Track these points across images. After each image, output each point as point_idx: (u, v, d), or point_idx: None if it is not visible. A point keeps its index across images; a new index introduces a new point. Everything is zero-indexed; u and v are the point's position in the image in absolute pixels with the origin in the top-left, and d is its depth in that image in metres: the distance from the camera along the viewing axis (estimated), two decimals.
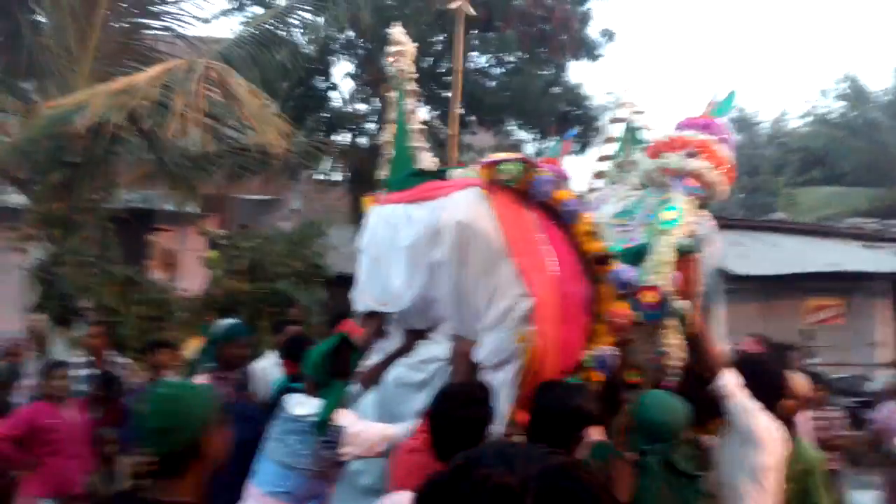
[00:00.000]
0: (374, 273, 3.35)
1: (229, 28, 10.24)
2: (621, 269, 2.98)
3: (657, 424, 2.77)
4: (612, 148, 4.20)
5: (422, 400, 2.93)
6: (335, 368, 2.88)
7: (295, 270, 7.94)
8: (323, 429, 2.76)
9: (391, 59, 3.61)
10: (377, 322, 3.36)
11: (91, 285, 7.08)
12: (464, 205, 2.93)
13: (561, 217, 2.99)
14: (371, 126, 11.81)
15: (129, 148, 8.45)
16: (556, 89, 12.41)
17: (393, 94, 3.66)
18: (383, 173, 3.69)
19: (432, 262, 2.99)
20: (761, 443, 2.99)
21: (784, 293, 9.92)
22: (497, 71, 12.31)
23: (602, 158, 4.25)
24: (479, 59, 12.17)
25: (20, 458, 4.40)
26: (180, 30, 8.58)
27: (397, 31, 3.60)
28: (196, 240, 9.61)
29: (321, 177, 11.38)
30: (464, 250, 2.89)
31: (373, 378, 3.25)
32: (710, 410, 3.02)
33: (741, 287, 9.62)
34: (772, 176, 22.59)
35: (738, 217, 14.41)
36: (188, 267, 8.95)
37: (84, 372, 5.21)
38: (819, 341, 9.24)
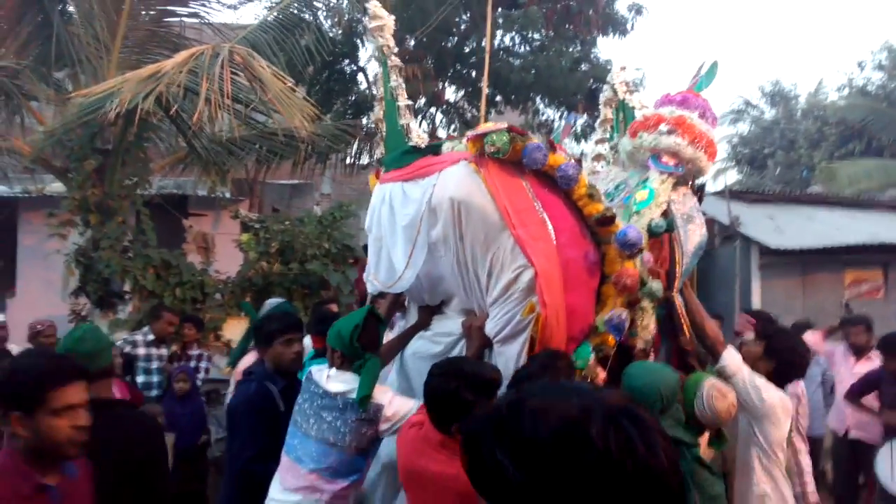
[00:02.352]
0: (378, 254, 3.34)
1: (254, 14, 10.26)
2: (626, 228, 2.92)
3: (638, 390, 2.68)
4: (607, 130, 4.14)
5: None
6: (364, 342, 2.81)
7: (325, 252, 8.05)
8: (364, 405, 2.72)
9: (371, 35, 3.47)
10: (394, 296, 3.35)
11: (129, 269, 7.28)
12: (454, 180, 2.89)
13: (557, 182, 2.93)
14: None
15: (161, 135, 8.61)
16: (584, 66, 12.23)
17: (379, 71, 3.56)
18: (379, 152, 3.65)
19: (431, 240, 2.97)
20: (775, 418, 2.97)
21: (822, 266, 9.67)
22: (523, 49, 12.17)
23: (598, 141, 4.20)
24: (505, 38, 12.05)
25: None
26: (207, 16, 8.70)
27: (374, 5, 3.48)
28: (229, 224, 9.77)
29: (350, 160, 11.42)
30: (460, 226, 2.86)
31: (390, 353, 3.26)
32: None
33: (778, 261, 9.43)
34: (809, 150, 22.02)
35: (773, 191, 14.05)
36: (222, 250, 9.12)
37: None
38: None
